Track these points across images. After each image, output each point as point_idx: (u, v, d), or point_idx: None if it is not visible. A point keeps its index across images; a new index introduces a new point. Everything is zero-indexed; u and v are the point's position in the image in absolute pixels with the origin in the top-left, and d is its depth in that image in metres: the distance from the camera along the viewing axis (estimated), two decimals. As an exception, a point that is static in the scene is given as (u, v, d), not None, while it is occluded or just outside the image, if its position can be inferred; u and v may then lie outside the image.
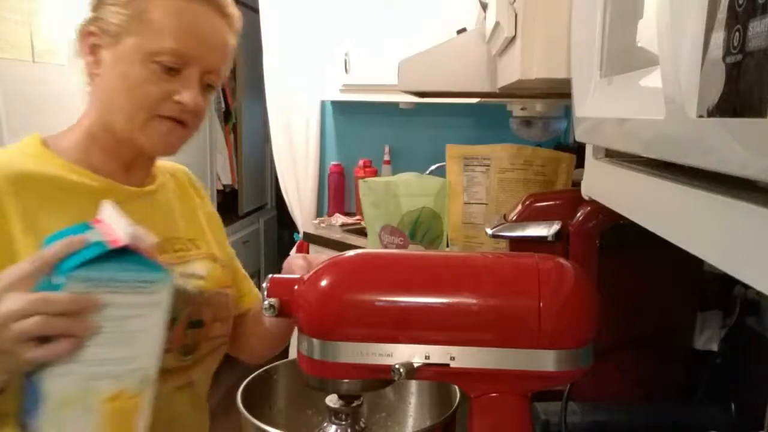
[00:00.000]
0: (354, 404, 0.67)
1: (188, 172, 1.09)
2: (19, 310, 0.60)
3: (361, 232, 2.65)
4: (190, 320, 0.88)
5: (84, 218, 0.74)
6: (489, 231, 1.01)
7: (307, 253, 2.83)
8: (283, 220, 4.05)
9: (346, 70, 2.82)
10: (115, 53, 0.83)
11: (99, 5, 0.85)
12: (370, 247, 1.62)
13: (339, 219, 2.96)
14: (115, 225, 0.65)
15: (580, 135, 0.62)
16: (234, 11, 0.91)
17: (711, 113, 0.29)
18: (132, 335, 0.65)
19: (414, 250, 1.45)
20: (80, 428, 0.63)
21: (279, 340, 1.01)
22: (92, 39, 0.85)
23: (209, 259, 0.97)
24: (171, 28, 0.83)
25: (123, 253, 0.62)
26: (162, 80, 0.83)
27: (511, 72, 0.80)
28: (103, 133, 0.87)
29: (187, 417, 0.92)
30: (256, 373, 0.82)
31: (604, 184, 0.60)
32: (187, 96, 0.84)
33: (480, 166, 1.45)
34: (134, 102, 0.83)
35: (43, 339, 0.60)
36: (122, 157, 0.89)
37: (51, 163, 0.84)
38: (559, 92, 0.86)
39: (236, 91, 3.98)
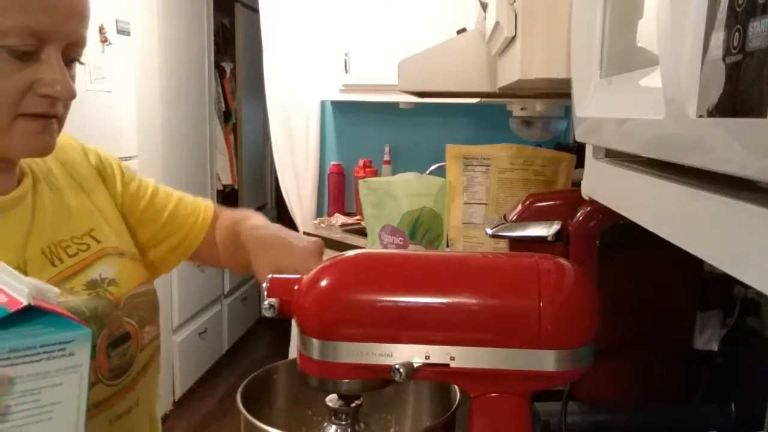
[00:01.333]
0: (354, 404, 0.67)
1: (79, 142, 0.88)
2: None
3: (361, 232, 2.65)
4: (112, 339, 0.76)
5: None
6: (489, 231, 1.01)
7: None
8: (283, 220, 4.04)
9: (346, 70, 2.82)
10: None
11: None
12: (370, 247, 1.62)
13: (339, 219, 2.96)
14: (6, 282, 0.54)
15: (580, 135, 0.62)
16: None
17: (711, 113, 0.29)
18: (49, 409, 0.54)
19: (414, 250, 1.45)
20: None
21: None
22: None
23: (115, 255, 0.81)
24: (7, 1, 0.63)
25: (27, 315, 0.52)
26: (15, 70, 0.65)
27: (511, 72, 0.80)
28: None
29: None
30: (256, 373, 0.82)
31: (604, 184, 0.60)
32: (58, 85, 0.67)
33: (480, 166, 1.45)
34: None
35: None
36: None
37: None
38: (559, 92, 0.86)
39: (236, 91, 3.98)
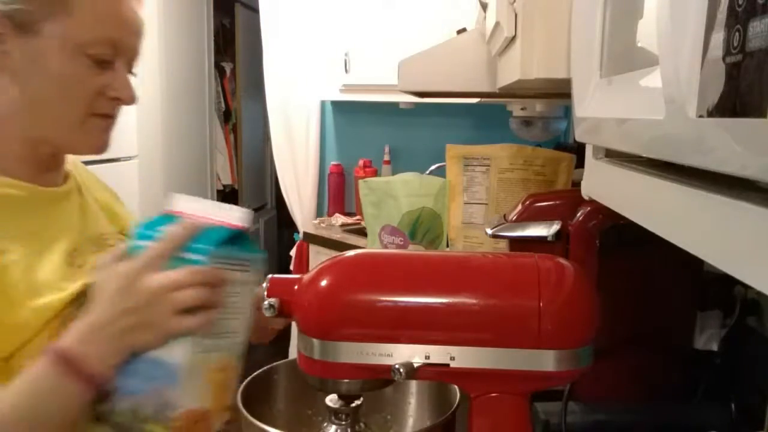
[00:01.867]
0: (354, 404, 0.67)
1: (80, 164, 0.96)
2: (179, 281, 0.64)
3: (361, 232, 2.65)
4: None
5: (21, 230, 0.74)
6: (489, 231, 1.01)
7: (308, 253, 2.83)
8: (283, 220, 4.05)
9: (346, 70, 2.82)
10: (30, 46, 0.72)
11: None
12: (370, 247, 1.62)
13: (339, 219, 2.96)
14: (202, 211, 0.69)
15: (580, 135, 0.62)
16: None
17: (711, 113, 0.29)
18: (238, 310, 0.69)
19: (414, 250, 1.45)
20: (197, 395, 0.67)
21: (263, 330, 0.95)
22: None
23: None
24: (98, 13, 0.73)
25: (238, 235, 0.68)
26: (94, 75, 0.74)
27: (511, 72, 0.80)
28: (15, 137, 0.77)
29: None
30: (256, 373, 0.82)
31: (604, 184, 0.60)
32: (125, 91, 0.78)
33: (480, 166, 1.45)
34: (67, 102, 0.75)
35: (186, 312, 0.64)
36: (38, 160, 0.79)
37: None
38: (559, 92, 0.86)
39: (236, 91, 3.98)
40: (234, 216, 0.68)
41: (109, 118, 0.79)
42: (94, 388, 0.64)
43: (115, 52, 0.75)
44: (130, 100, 0.78)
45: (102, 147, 0.81)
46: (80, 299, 0.74)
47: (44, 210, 0.80)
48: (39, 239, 0.76)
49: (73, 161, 0.91)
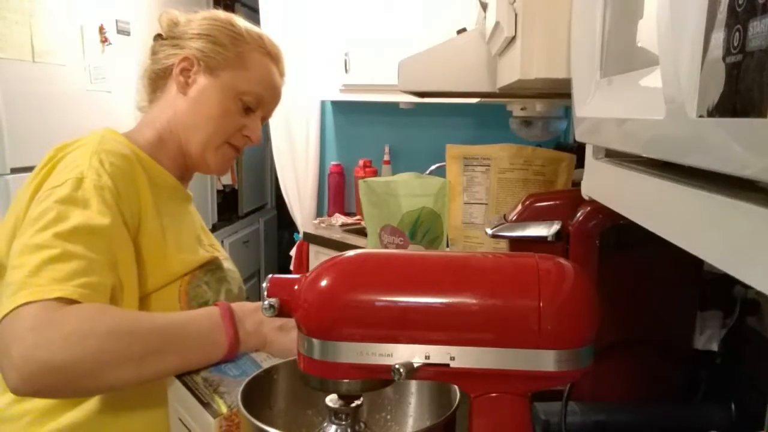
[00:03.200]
0: (354, 404, 0.67)
1: None
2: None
3: (361, 232, 2.65)
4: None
5: (164, 209, 0.97)
6: (489, 231, 1.01)
7: (308, 253, 2.83)
8: (283, 220, 4.05)
9: (346, 70, 2.82)
10: (209, 82, 1.01)
11: (184, 36, 1.03)
12: (370, 247, 1.62)
13: (339, 219, 2.96)
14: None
15: (580, 135, 0.62)
16: (285, 72, 1.12)
17: (711, 113, 0.29)
18: None
19: (414, 250, 1.45)
20: None
21: None
22: (185, 63, 1.01)
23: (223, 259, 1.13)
24: (259, 77, 1.04)
25: None
26: (241, 115, 1.03)
27: (511, 72, 0.80)
28: (172, 142, 1.03)
29: None
30: (256, 373, 0.82)
31: (604, 184, 0.60)
32: (255, 133, 1.06)
33: (480, 166, 1.44)
34: (217, 128, 1.02)
35: None
36: (178, 166, 1.05)
37: (140, 155, 0.98)
38: (559, 92, 0.86)
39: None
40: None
41: (236, 150, 1.07)
42: (229, 349, 0.84)
43: (258, 105, 1.04)
44: (257, 141, 1.07)
45: (224, 170, 1.08)
46: (206, 266, 1.01)
47: (180, 201, 1.06)
48: (181, 219, 1.03)
49: None
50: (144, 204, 0.93)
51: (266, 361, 0.84)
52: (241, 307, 0.88)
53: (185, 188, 1.10)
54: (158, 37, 1.07)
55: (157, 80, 1.06)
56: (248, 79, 1.02)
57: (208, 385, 0.81)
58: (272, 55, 1.06)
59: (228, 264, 1.11)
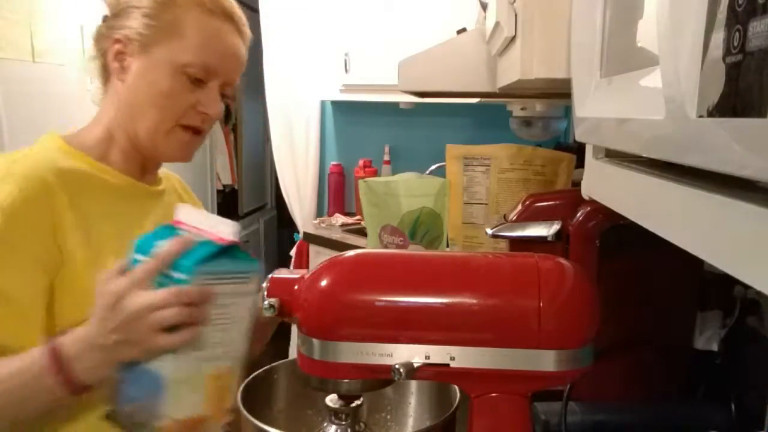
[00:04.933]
0: (354, 404, 0.67)
1: (180, 179, 1.13)
2: (159, 302, 0.67)
3: (361, 232, 2.65)
4: None
5: (115, 215, 0.87)
6: (489, 231, 1.01)
7: (308, 253, 2.83)
8: (283, 220, 4.05)
9: (346, 70, 2.82)
10: (143, 62, 0.87)
11: (122, 13, 0.89)
12: (370, 247, 1.61)
13: (339, 219, 2.96)
14: (203, 224, 0.72)
15: (580, 135, 0.62)
16: (248, 30, 0.97)
17: (711, 113, 0.29)
18: (232, 321, 0.72)
19: (414, 250, 1.45)
20: (191, 403, 0.71)
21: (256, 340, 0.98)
22: (118, 46, 0.88)
23: None
24: (201, 42, 0.88)
25: (227, 249, 0.69)
26: (188, 91, 0.88)
27: (511, 72, 0.80)
28: (122, 136, 0.91)
29: None
30: (256, 373, 0.82)
31: (604, 184, 0.60)
32: (213, 108, 0.90)
33: (480, 166, 1.44)
34: (162, 110, 0.88)
35: (169, 329, 0.68)
36: (137, 160, 0.93)
37: (79, 160, 0.88)
38: (559, 92, 0.86)
39: (236, 91, 3.98)
40: (224, 230, 0.70)
41: (196, 133, 0.92)
42: (72, 391, 0.71)
43: (208, 75, 0.89)
44: (215, 114, 0.91)
45: (185, 156, 0.94)
46: None
47: (136, 201, 0.94)
48: (128, 223, 0.89)
49: (177, 179, 1.10)
50: (61, 227, 0.81)
51: (162, 361, 0.70)
52: (73, 337, 0.71)
53: (155, 181, 1.00)
54: (105, 18, 0.94)
55: (103, 70, 0.94)
56: (186, 47, 0.87)
57: (128, 424, 0.72)
58: (218, 12, 0.90)
59: None
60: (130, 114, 0.90)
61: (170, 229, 0.72)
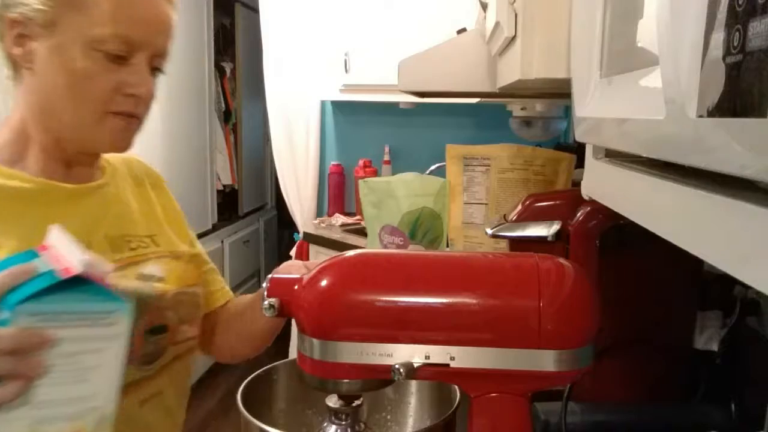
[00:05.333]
0: (354, 404, 0.67)
1: (143, 161, 0.99)
2: None
3: (361, 232, 2.65)
4: (151, 327, 0.81)
5: (22, 226, 0.73)
6: (489, 231, 1.01)
7: (308, 253, 2.83)
8: (283, 220, 4.05)
9: (346, 70, 2.82)
10: (49, 45, 0.73)
11: None
12: (370, 247, 1.62)
13: (339, 219, 2.96)
14: (65, 251, 0.59)
15: (580, 135, 0.62)
16: None
17: (711, 113, 0.29)
18: (87, 372, 0.59)
19: (414, 250, 1.45)
20: None
21: (262, 338, 0.94)
22: (17, 29, 0.74)
23: (170, 257, 0.89)
24: (113, 10, 0.73)
25: (76, 283, 0.57)
26: (109, 71, 0.74)
27: (511, 72, 0.80)
28: (39, 133, 0.78)
29: (157, 430, 0.85)
30: (256, 373, 0.82)
31: (604, 184, 0.60)
32: (142, 86, 0.76)
33: (480, 166, 1.45)
34: (81, 99, 0.75)
35: None
36: (62, 156, 0.80)
37: None
38: (559, 92, 0.86)
39: (236, 91, 3.98)
40: (77, 263, 0.57)
41: (130, 117, 0.78)
42: None
43: (129, 49, 0.75)
44: (146, 96, 0.78)
45: (122, 146, 0.81)
46: None
47: (54, 205, 0.79)
48: (38, 235, 0.70)
49: (126, 157, 0.93)
50: None
51: None
52: None
53: (89, 176, 0.85)
54: None
55: (9, 59, 0.79)
56: (94, 20, 0.73)
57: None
58: None
59: (155, 267, 0.85)
60: (46, 107, 0.77)
61: (29, 256, 0.59)
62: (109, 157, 0.89)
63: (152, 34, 0.77)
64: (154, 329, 0.82)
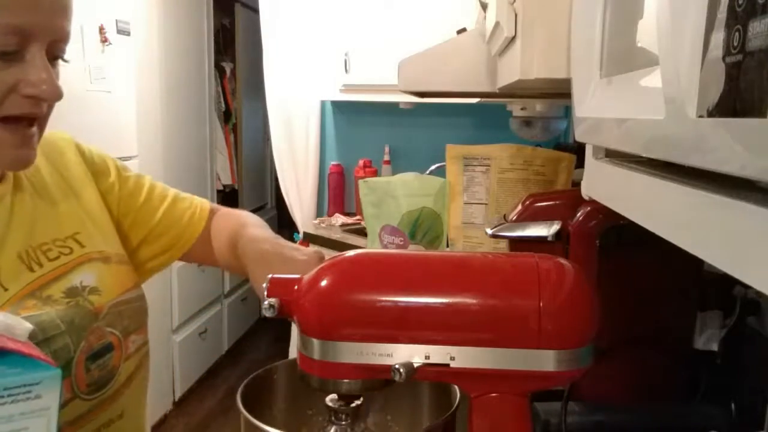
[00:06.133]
0: (354, 404, 0.67)
1: (73, 140, 0.85)
2: None
3: (361, 232, 2.65)
4: (91, 352, 0.73)
5: None
6: (489, 231, 1.01)
7: (307, 253, 2.83)
8: (283, 220, 4.05)
9: (346, 70, 2.82)
10: None
11: None
12: (370, 247, 1.62)
13: (339, 219, 2.96)
14: None
15: (580, 135, 0.62)
16: None
17: (711, 113, 0.29)
18: None
19: (414, 250, 1.45)
20: None
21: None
22: None
23: (100, 260, 0.78)
24: None
25: None
26: None
27: (511, 72, 0.80)
28: None
29: None
30: (256, 373, 0.82)
31: (604, 184, 0.60)
32: (43, 85, 0.64)
33: (480, 166, 1.45)
34: None
35: None
36: None
37: None
38: (559, 92, 0.86)
39: (236, 91, 3.98)
40: None
41: (29, 121, 0.66)
42: None
43: (21, 41, 0.62)
44: (51, 94, 0.65)
45: (21, 164, 0.68)
46: None
47: None
48: None
49: (65, 142, 0.82)
50: None
51: None
52: None
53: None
54: None
55: None
56: None
57: None
58: None
59: (85, 275, 0.74)
60: None
61: None
62: None
63: (46, 18, 0.63)
64: (97, 353, 0.73)
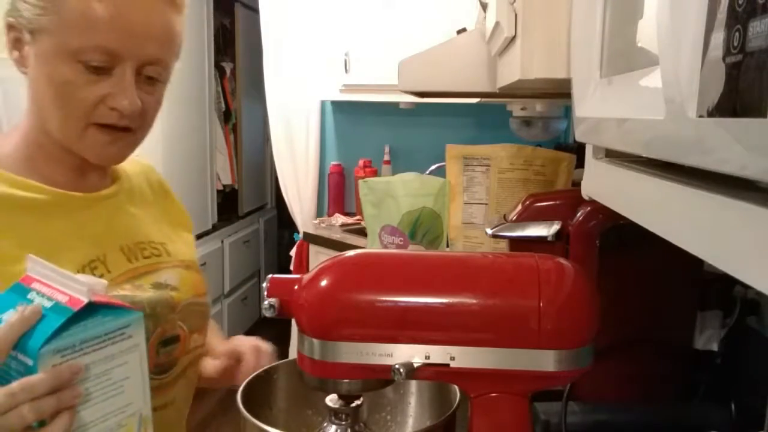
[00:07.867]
0: (354, 404, 0.67)
1: (155, 170, 0.99)
2: (1, 406, 0.55)
3: (361, 232, 2.65)
4: (163, 338, 0.82)
5: (38, 239, 0.74)
6: (489, 231, 1.01)
7: (308, 253, 2.83)
8: (283, 220, 4.05)
9: (346, 70, 2.82)
10: (37, 51, 0.73)
11: None
12: (370, 247, 1.62)
13: (339, 219, 2.96)
14: (52, 279, 0.60)
15: (580, 135, 0.62)
16: None
17: (711, 113, 0.29)
18: (120, 384, 0.63)
19: (414, 250, 1.45)
20: None
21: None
22: (14, 33, 0.75)
23: (182, 266, 0.89)
24: (94, 19, 0.70)
25: (87, 310, 0.59)
26: (90, 82, 0.72)
27: (511, 72, 0.80)
28: (45, 139, 0.78)
29: None
30: (256, 373, 0.82)
31: (604, 184, 0.60)
32: (124, 100, 0.73)
33: (480, 166, 1.45)
34: (64, 109, 0.74)
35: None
36: (70, 163, 0.79)
37: None
38: (559, 92, 0.86)
39: (236, 91, 3.98)
40: (77, 288, 0.59)
41: (116, 129, 0.75)
42: None
43: (110, 59, 0.72)
44: (129, 108, 0.74)
45: (109, 159, 0.80)
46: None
47: (68, 216, 0.78)
48: (55, 246, 0.74)
49: (143, 163, 0.94)
50: None
51: None
52: None
53: (101, 183, 0.84)
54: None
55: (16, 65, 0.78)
56: (70, 30, 0.70)
57: None
58: None
59: (169, 275, 0.85)
60: (40, 114, 0.76)
61: (18, 292, 0.60)
62: (123, 163, 0.86)
63: (138, 44, 0.73)
64: (167, 340, 0.82)
